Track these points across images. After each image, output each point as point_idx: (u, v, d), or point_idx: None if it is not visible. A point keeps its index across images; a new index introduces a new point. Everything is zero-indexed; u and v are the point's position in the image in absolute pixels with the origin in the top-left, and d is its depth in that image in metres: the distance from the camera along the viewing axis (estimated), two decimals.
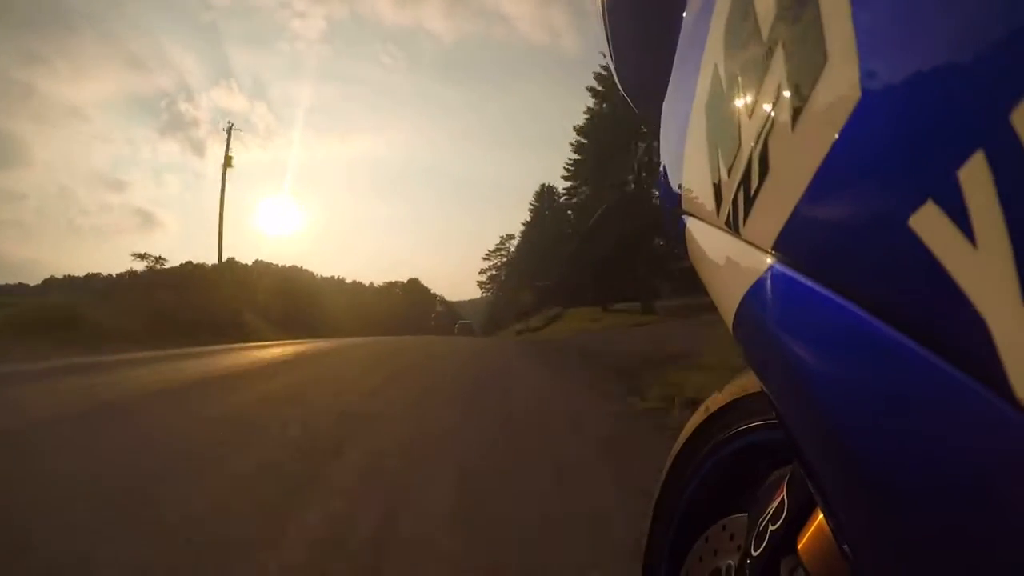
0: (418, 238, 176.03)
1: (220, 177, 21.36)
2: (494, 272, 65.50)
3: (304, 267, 59.31)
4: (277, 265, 44.37)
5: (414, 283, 77.76)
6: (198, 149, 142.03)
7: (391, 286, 79.16)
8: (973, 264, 0.18)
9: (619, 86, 0.65)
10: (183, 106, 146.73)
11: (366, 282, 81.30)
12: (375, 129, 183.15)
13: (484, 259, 67.42)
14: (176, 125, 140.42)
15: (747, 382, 0.59)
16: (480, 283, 67.20)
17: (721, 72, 0.36)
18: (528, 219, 50.88)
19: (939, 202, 0.19)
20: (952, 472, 0.20)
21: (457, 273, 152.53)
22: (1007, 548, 0.18)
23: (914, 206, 0.20)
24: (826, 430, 0.27)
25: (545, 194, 49.46)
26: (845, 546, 0.29)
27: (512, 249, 61.89)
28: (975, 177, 0.18)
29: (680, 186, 0.46)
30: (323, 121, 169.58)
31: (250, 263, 39.20)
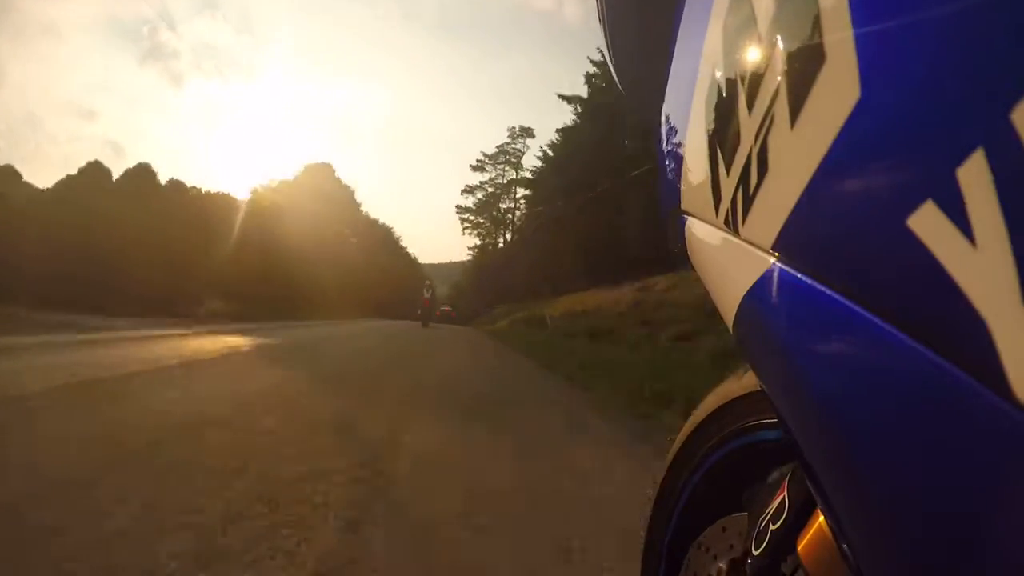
0: (390, 192, 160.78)
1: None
2: (483, 197, 36.15)
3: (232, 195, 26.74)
4: (198, 190, 24.52)
5: (323, 172, 37.12)
6: (176, 79, 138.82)
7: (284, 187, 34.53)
8: (972, 263, 0.18)
9: (618, 84, 0.65)
10: (165, 35, 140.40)
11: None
12: (358, 75, 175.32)
13: (474, 169, 37.33)
14: (156, 54, 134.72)
15: (746, 380, 0.59)
16: (462, 214, 36.81)
17: (720, 70, 0.36)
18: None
19: (938, 201, 0.19)
20: (951, 470, 0.20)
21: (430, 233, 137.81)
22: (1007, 547, 0.18)
23: (913, 205, 0.20)
24: (826, 429, 0.27)
25: None
26: (845, 546, 0.29)
27: (524, 152, 34.05)
28: (974, 176, 0.18)
29: (679, 184, 0.46)
30: (308, 62, 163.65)
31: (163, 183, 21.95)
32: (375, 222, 43.03)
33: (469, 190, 37.68)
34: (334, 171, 38.69)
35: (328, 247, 31.21)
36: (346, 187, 39.12)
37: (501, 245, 37.63)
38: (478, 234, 39.41)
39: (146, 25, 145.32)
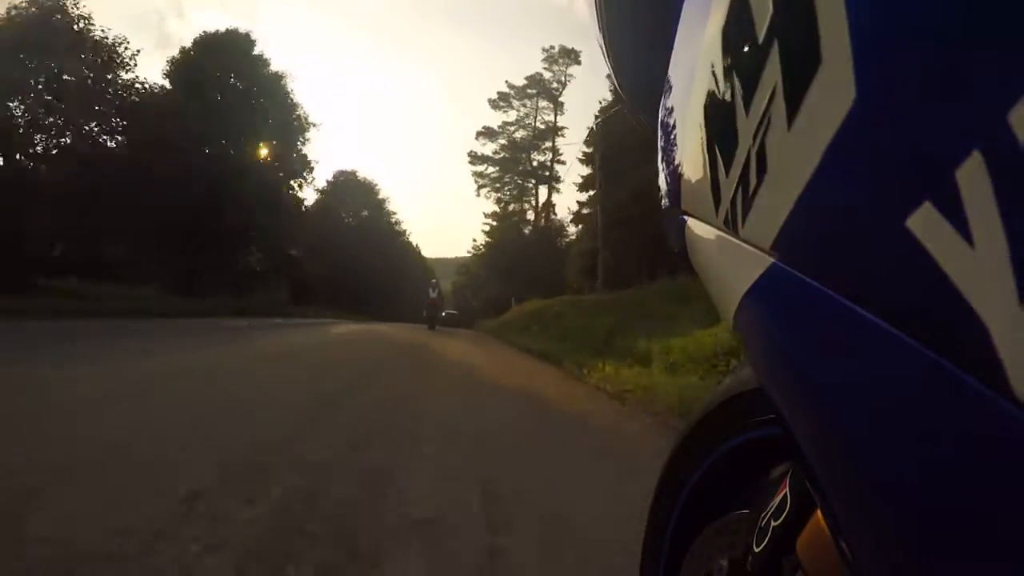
0: (395, 185, 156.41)
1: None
2: (507, 144, 23.90)
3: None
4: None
5: (227, 48, 17.19)
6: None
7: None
8: (970, 264, 0.18)
9: (616, 86, 0.65)
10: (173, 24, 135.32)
11: None
12: (361, 69, 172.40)
13: (494, 106, 25.00)
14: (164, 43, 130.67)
15: (746, 377, 0.59)
16: (475, 165, 25.17)
17: (718, 71, 0.36)
18: None
19: (936, 203, 0.19)
20: (950, 469, 0.20)
21: (433, 228, 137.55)
22: (1006, 546, 0.18)
23: (911, 207, 0.20)
24: (825, 428, 0.27)
25: None
26: (843, 544, 0.29)
27: (566, 84, 21.99)
28: (972, 177, 0.18)
29: (679, 185, 0.46)
30: (312, 53, 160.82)
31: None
32: (352, 175, 27.75)
33: (486, 133, 24.99)
34: (252, 46, 19.36)
35: (256, 197, 18.58)
36: (284, 89, 20.23)
37: (531, 216, 25.77)
38: (498, 199, 26.85)
39: (154, 15, 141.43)
